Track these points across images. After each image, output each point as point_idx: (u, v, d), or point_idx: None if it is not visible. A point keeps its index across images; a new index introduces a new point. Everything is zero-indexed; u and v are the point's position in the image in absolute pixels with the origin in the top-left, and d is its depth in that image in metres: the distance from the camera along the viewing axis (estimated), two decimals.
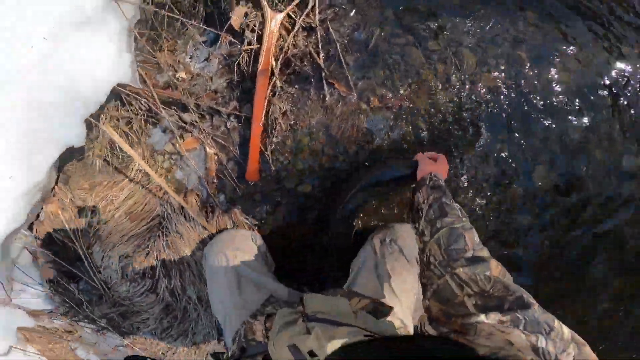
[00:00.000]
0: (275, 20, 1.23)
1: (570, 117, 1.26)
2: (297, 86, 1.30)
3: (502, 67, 1.27)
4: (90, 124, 1.26)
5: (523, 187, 1.28)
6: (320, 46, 1.29)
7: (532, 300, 0.58)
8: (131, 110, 1.31)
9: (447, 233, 0.75)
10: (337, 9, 1.31)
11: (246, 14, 1.24)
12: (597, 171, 1.27)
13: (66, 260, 1.37)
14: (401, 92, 1.27)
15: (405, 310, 0.97)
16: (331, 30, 1.29)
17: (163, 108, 1.30)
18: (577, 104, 1.26)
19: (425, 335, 0.61)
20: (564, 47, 1.29)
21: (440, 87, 1.27)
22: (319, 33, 1.29)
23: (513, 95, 1.26)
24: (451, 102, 1.26)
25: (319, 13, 1.29)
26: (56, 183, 1.33)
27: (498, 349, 0.53)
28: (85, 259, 1.33)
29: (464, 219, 0.79)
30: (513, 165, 1.27)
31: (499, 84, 1.26)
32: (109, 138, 1.32)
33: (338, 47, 1.28)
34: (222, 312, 1.01)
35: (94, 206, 1.33)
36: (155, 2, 1.27)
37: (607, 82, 1.28)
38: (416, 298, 1.00)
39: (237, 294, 0.99)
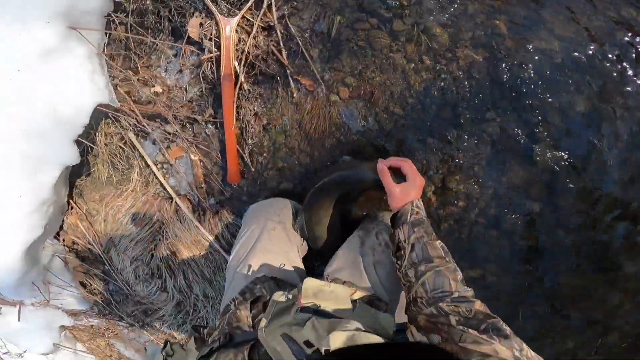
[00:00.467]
0: (229, 26, 1.23)
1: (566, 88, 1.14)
2: (264, 86, 1.31)
3: (479, 40, 1.16)
4: (87, 142, 1.39)
5: (524, 169, 1.20)
6: (281, 44, 1.27)
7: (507, 327, 0.63)
8: (121, 126, 1.42)
9: (432, 277, 0.76)
10: (295, 3, 1.26)
11: (201, 24, 1.25)
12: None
13: (93, 264, 1.57)
14: (372, 78, 1.23)
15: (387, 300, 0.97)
16: (290, 26, 1.26)
17: (146, 123, 1.39)
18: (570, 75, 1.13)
19: (424, 344, 0.66)
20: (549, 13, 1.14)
21: (412, 68, 1.20)
22: (278, 31, 1.26)
23: (495, 69, 1.15)
24: (427, 83, 1.19)
25: (277, 10, 1.26)
26: (71, 197, 1.50)
27: (487, 356, 0.57)
28: (107, 263, 1.52)
29: (447, 258, 0.80)
30: (508, 145, 1.18)
31: (478, 59, 1.16)
32: (110, 153, 1.45)
33: (300, 42, 1.25)
34: (230, 273, 1.06)
35: (105, 215, 1.49)
36: (119, 25, 1.32)
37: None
38: (402, 294, 1.01)
39: (246, 267, 1.01)
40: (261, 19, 1.27)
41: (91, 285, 1.54)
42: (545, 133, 1.15)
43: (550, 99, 1.14)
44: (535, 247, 1.24)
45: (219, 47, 1.26)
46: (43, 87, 1.19)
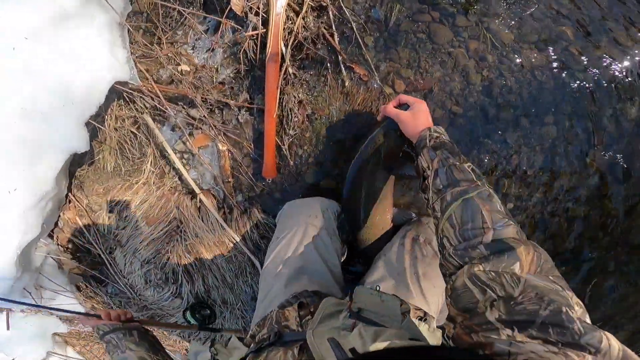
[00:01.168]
0: (280, 1, 1.08)
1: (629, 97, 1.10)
2: (311, 72, 1.17)
3: (544, 45, 1.10)
4: (95, 126, 1.18)
5: (576, 173, 1.14)
6: (333, 27, 1.14)
7: (573, 311, 0.43)
8: (136, 109, 1.22)
9: (460, 207, 0.60)
10: None
11: None
12: None
13: (91, 266, 1.35)
14: (430, 73, 1.13)
15: (432, 315, 0.90)
16: (344, 8, 1.14)
17: (168, 105, 1.20)
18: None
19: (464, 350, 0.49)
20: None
21: (473, 67, 1.12)
22: (330, 12, 1.14)
23: (558, 75, 1.10)
24: (488, 82, 1.12)
25: None
26: (70, 190, 1.28)
27: None
28: (108, 264, 1.31)
29: (479, 182, 0.63)
30: (563, 153, 1.13)
31: (541, 63, 1.10)
32: (119, 140, 1.25)
33: (354, 27, 1.14)
34: (267, 280, 0.96)
35: (110, 211, 1.28)
36: None
37: None
38: (443, 299, 0.93)
39: (285, 277, 0.92)
40: None
41: (87, 288, 1.32)
42: (600, 139, 1.12)
43: (606, 106, 1.11)
44: (580, 251, 1.20)
45: (265, 25, 1.11)
46: (54, 58, 0.98)
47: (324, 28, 1.15)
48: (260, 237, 1.24)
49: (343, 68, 1.14)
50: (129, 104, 1.22)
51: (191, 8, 1.19)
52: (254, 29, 1.12)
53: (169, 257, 1.23)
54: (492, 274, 0.50)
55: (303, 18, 1.14)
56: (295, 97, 1.15)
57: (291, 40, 1.14)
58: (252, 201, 1.24)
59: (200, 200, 1.21)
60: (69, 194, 1.27)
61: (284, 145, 1.18)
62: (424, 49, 1.13)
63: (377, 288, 0.96)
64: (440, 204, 0.64)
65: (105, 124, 1.22)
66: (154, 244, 1.24)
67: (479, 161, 1.15)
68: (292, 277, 0.92)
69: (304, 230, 1.01)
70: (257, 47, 1.15)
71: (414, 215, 1.13)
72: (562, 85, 1.09)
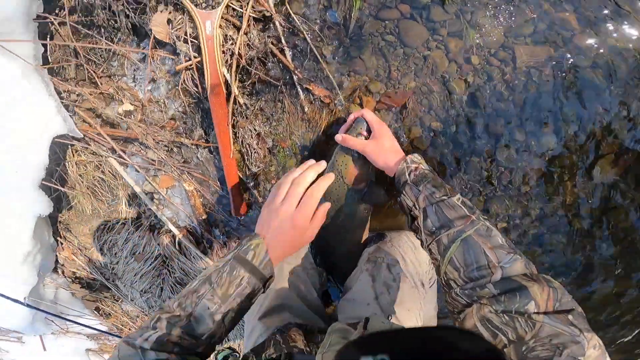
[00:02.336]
0: (210, 22, 0.88)
1: None
2: (266, 98, 1.01)
3: (542, 37, 0.84)
4: (53, 184, 1.14)
5: (581, 186, 0.99)
6: (283, 40, 0.93)
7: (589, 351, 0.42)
8: (93, 154, 1.14)
9: (460, 249, 0.57)
10: None
11: (170, 21, 0.89)
12: None
13: (100, 291, 1.44)
14: (403, 85, 0.93)
15: None
16: (293, 16, 0.91)
17: (122, 149, 1.11)
18: None
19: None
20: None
21: (455, 72, 0.90)
22: (277, 23, 0.91)
23: (560, 73, 0.86)
24: (474, 89, 0.91)
25: None
26: (58, 234, 1.30)
27: None
28: (115, 290, 1.39)
29: (473, 216, 0.59)
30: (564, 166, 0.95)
31: (539, 60, 0.86)
32: (88, 184, 1.20)
33: (307, 38, 0.92)
34: (248, 317, 0.96)
35: (100, 249, 1.31)
36: (60, 27, 0.95)
37: None
38: (422, 317, 0.90)
39: (263, 317, 0.91)
40: (253, 7, 0.91)
41: (104, 309, 1.44)
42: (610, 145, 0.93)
43: (618, 107, 0.88)
44: (590, 264, 1.10)
45: (199, 51, 0.93)
46: None
47: (272, 43, 0.94)
48: None
49: (300, 90, 0.97)
50: (84, 149, 1.14)
51: (119, 36, 1.00)
52: (187, 58, 0.94)
53: (162, 288, 1.28)
54: (506, 317, 0.48)
55: (245, 34, 0.93)
56: (251, 131, 1.02)
57: (235, 64, 0.95)
58: (229, 235, 1.21)
59: (179, 239, 1.19)
60: (58, 238, 1.29)
61: (249, 182, 1.08)
62: (393, 55, 0.92)
63: (390, 317, 0.96)
64: (437, 246, 0.60)
65: (68, 171, 1.17)
66: (146, 277, 1.28)
67: (466, 182, 1.01)
68: (274, 312, 0.92)
69: (279, 268, 0.98)
70: (198, 75, 0.98)
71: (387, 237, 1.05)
72: (564, 85, 0.87)
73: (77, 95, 1.06)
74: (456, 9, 0.85)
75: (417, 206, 0.65)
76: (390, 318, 0.90)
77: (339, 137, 0.82)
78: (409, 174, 0.68)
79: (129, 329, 1.45)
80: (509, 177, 0.99)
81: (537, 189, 0.99)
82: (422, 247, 0.66)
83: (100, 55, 1.04)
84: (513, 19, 0.84)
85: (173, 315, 0.60)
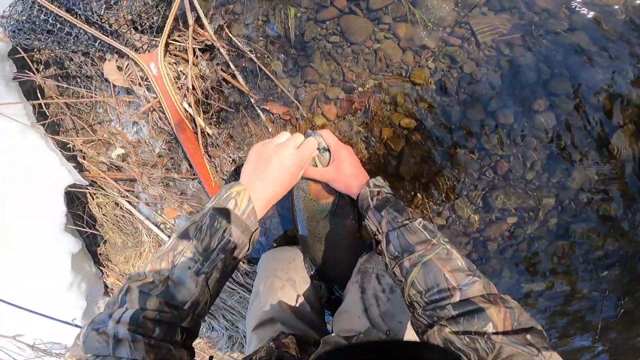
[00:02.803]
0: (153, 62, 0.89)
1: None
2: (231, 124, 1.00)
3: (499, 2, 0.69)
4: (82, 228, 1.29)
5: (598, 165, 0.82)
6: (231, 65, 0.91)
7: None
8: (106, 195, 1.27)
9: (421, 273, 0.57)
10: (231, 6, 0.85)
11: (119, 68, 0.93)
12: None
13: None
14: (360, 85, 0.85)
15: None
16: (234, 39, 0.88)
17: (128, 189, 1.21)
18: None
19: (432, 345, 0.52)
20: None
21: (413, 60, 0.79)
22: (221, 49, 0.89)
23: (535, 42, 0.70)
24: (438, 77, 0.79)
25: (210, 23, 0.87)
26: (100, 263, 1.48)
27: None
28: None
29: (433, 240, 0.59)
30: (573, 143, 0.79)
31: (505, 31, 0.70)
32: (112, 221, 1.35)
33: (253, 58, 0.89)
34: (248, 331, 0.99)
35: None
36: (46, 81, 1.05)
37: None
38: (412, 332, 0.85)
39: (256, 329, 0.94)
40: (194, 39, 0.90)
41: None
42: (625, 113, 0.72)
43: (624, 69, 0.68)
44: (614, 253, 0.91)
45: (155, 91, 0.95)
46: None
47: (222, 70, 0.93)
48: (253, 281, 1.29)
49: (260, 112, 0.94)
50: (99, 192, 1.27)
51: (94, 83, 1.08)
52: (147, 100, 0.97)
53: None
54: (466, 339, 0.49)
55: (195, 65, 0.93)
56: (226, 158, 1.03)
57: (192, 99, 0.96)
58: None
59: None
60: (102, 267, 1.48)
61: None
62: (343, 56, 0.84)
63: (388, 333, 0.95)
64: (400, 270, 0.61)
65: (93, 212, 1.32)
66: None
67: (456, 180, 0.89)
68: (266, 324, 0.94)
69: (270, 284, 1.00)
70: (163, 116, 1.01)
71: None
72: (543, 54, 0.70)
73: (81, 143, 1.17)
74: None
75: (380, 231, 0.65)
76: (388, 334, 0.87)
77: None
78: (372, 199, 0.67)
79: None
80: (507, 166, 0.85)
81: (547, 174, 0.83)
82: (387, 270, 0.66)
83: (86, 104, 1.13)
84: None
85: (145, 282, 0.50)
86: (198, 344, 1.59)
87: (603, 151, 0.76)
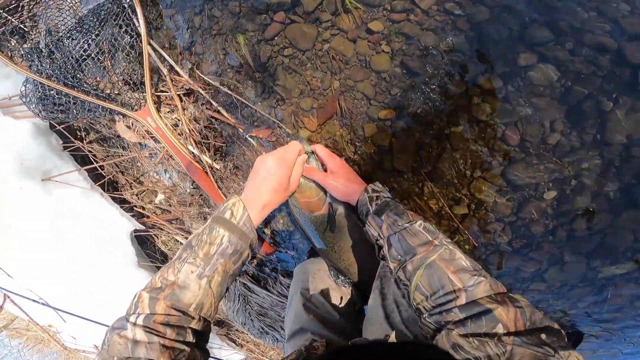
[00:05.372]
0: (149, 117, 0.99)
1: None
2: (233, 155, 1.06)
3: None
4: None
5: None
6: (213, 102, 0.96)
7: None
8: (168, 234, 1.47)
9: (425, 275, 0.57)
10: (192, 49, 0.90)
11: (128, 127, 1.06)
12: None
13: (229, 325, 1.82)
14: (327, 89, 0.81)
15: None
16: (205, 77, 0.93)
17: (178, 228, 1.38)
18: None
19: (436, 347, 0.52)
20: None
21: (367, 49, 0.72)
22: (199, 90, 0.95)
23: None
24: (400, 58, 0.70)
25: (181, 69, 0.94)
26: None
27: None
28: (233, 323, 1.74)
29: (435, 241, 0.58)
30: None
31: None
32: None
33: (227, 90, 0.92)
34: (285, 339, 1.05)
35: None
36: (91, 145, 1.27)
37: None
38: None
39: (289, 340, 0.99)
40: (175, 86, 0.98)
41: (236, 340, 1.80)
42: None
43: None
44: None
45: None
46: (78, 244, 1.31)
47: (207, 108, 0.99)
48: None
49: (250, 139, 0.97)
50: (162, 232, 1.47)
51: (126, 142, 1.26)
52: (159, 151, 1.09)
53: (252, 320, 1.52)
54: (476, 342, 0.48)
55: (184, 109, 1.02)
56: (237, 187, 1.09)
57: (191, 141, 1.05)
58: (277, 269, 1.32)
59: (243, 282, 1.39)
60: None
61: (262, 227, 1.16)
62: (301, 66, 0.81)
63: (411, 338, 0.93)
64: (404, 273, 0.62)
65: (162, 249, 1.54)
66: (240, 312, 1.55)
67: (463, 162, 0.78)
68: (297, 334, 0.98)
69: (298, 296, 1.04)
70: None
71: None
72: (503, 4, 0.56)
73: (135, 194, 1.38)
74: None
75: (381, 235, 0.65)
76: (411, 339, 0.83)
77: (307, 169, 0.79)
78: (371, 204, 0.68)
79: (257, 355, 1.76)
80: (518, 133, 0.71)
81: (576, 132, 0.66)
82: (391, 275, 0.67)
83: (127, 161, 1.33)
84: None
85: (154, 288, 0.57)
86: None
87: (635, 87, 0.57)
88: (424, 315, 0.57)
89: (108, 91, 0.97)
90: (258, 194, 0.67)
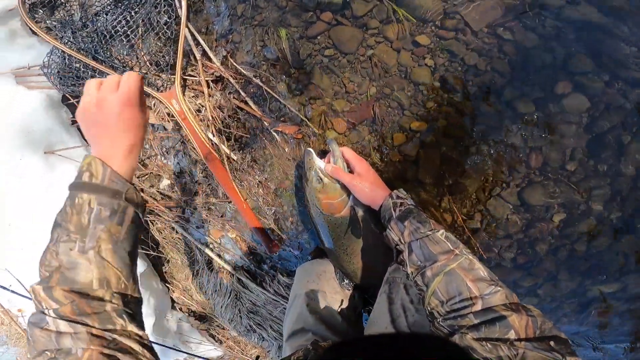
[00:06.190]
0: (174, 99, 0.98)
1: None
2: (253, 148, 1.06)
3: None
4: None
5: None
6: (242, 92, 0.97)
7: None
8: (165, 221, 1.43)
9: (444, 282, 0.59)
10: (230, 37, 0.91)
11: (150, 107, 1.04)
12: None
13: (209, 322, 1.79)
14: (362, 94, 0.84)
15: None
16: (239, 67, 0.93)
17: (178, 215, 1.36)
18: None
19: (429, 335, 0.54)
20: None
21: (410, 60, 0.75)
22: (230, 78, 0.96)
23: (537, 20, 0.61)
24: (441, 73, 0.74)
25: (215, 55, 0.94)
26: (165, 280, 1.67)
27: None
28: (217, 320, 1.70)
29: (456, 251, 0.60)
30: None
31: (498, 16, 0.63)
32: (172, 243, 1.52)
33: (259, 82, 0.93)
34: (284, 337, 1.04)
35: (197, 289, 1.62)
36: None
37: None
38: None
39: (289, 339, 0.99)
40: (205, 72, 0.98)
41: (216, 336, 1.77)
42: None
43: None
44: None
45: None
46: None
47: (234, 98, 0.99)
48: None
49: (275, 134, 0.98)
50: (158, 219, 1.44)
51: None
52: (177, 134, 1.08)
53: (241, 316, 1.49)
54: (489, 345, 0.50)
55: (210, 95, 1.01)
56: (253, 180, 1.09)
57: (213, 128, 1.04)
58: (275, 268, 1.31)
59: (239, 278, 1.37)
60: (168, 284, 1.67)
61: (273, 224, 1.16)
62: (340, 67, 0.84)
63: None
64: (422, 279, 0.63)
65: (156, 236, 1.50)
66: (229, 309, 1.52)
67: (484, 179, 0.82)
68: (297, 334, 0.97)
69: (302, 296, 1.03)
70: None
71: None
72: (552, 33, 0.60)
73: (137, 177, 1.35)
74: None
75: (402, 241, 0.67)
76: None
77: (329, 168, 0.81)
78: (395, 210, 0.69)
79: (236, 352, 1.73)
80: (541, 157, 0.76)
81: (593, 161, 0.72)
82: (408, 279, 0.67)
83: None
84: None
85: (42, 278, 0.52)
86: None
87: None
88: (438, 320, 0.58)
89: (137, 69, 0.96)
90: (113, 142, 0.57)
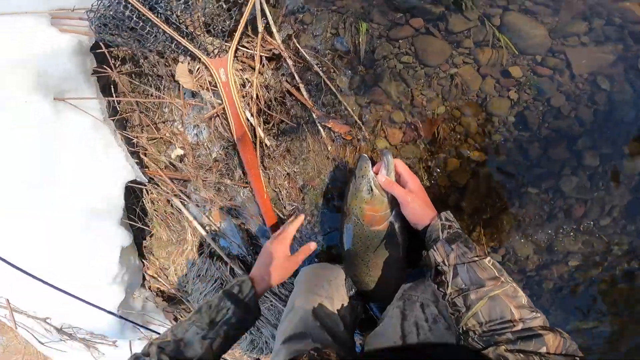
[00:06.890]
0: (223, 68, 0.91)
1: None
2: (290, 137, 1.00)
3: (602, 33, 0.63)
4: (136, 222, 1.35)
5: None
6: (297, 77, 0.91)
7: None
8: (162, 192, 1.32)
9: (487, 306, 0.62)
10: (300, 16, 0.85)
11: (190, 71, 0.95)
12: None
13: (177, 305, 1.67)
14: (430, 110, 0.82)
15: None
16: (302, 49, 0.88)
17: (181, 189, 1.25)
18: None
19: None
20: None
21: (493, 88, 0.74)
22: (288, 60, 0.90)
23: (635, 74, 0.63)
24: (521, 109, 0.74)
25: (278, 32, 0.88)
26: (143, 255, 1.54)
27: None
28: (188, 305, 1.59)
29: (502, 278, 0.64)
30: None
31: (603, 62, 0.64)
32: (161, 217, 1.40)
33: (320, 71, 0.88)
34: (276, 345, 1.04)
35: (175, 270, 1.51)
36: (120, 77, 1.11)
37: None
38: None
39: (286, 342, 0.95)
40: (262, 46, 0.91)
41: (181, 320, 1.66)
42: None
43: None
44: None
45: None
46: (66, 178, 1.11)
47: (286, 81, 0.93)
48: (288, 292, 1.29)
49: (321, 128, 0.93)
50: (155, 188, 1.32)
51: (163, 83, 1.13)
52: (212, 105, 1.00)
53: None
54: (521, 355, 0.53)
55: (260, 73, 0.94)
56: (280, 172, 1.03)
57: (255, 107, 0.97)
58: None
59: (232, 267, 1.29)
60: (144, 260, 1.54)
61: (287, 218, 1.10)
62: (414, 78, 0.81)
63: None
64: (463, 300, 0.65)
65: (146, 207, 1.37)
66: (209, 296, 1.42)
67: (522, 220, 0.83)
68: (296, 338, 0.94)
69: (307, 299, 0.99)
70: (226, 123, 1.03)
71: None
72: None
73: (146, 140, 1.23)
74: (479, 13, 0.70)
75: (446, 263, 0.68)
76: None
77: (381, 179, 0.78)
78: (442, 231, 0.70)
79: None
80: (583, 210, 0.78)
81: (624, 221, 0.75)
82: (443, 299, 0.69)
83: (154, 104, 1.18)
84: (558, 15, 0.64)
85: (164, 340, 0.69)
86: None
87: None
88: (472, 337, 0.62)
89: (192, 29, 0.87)
90: (262, 275, 0.85)
